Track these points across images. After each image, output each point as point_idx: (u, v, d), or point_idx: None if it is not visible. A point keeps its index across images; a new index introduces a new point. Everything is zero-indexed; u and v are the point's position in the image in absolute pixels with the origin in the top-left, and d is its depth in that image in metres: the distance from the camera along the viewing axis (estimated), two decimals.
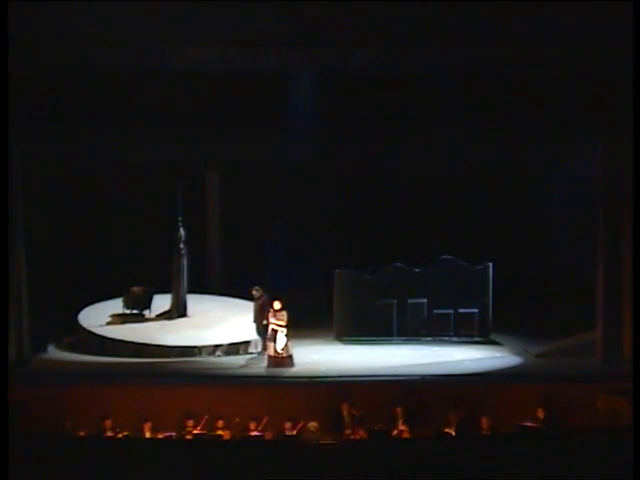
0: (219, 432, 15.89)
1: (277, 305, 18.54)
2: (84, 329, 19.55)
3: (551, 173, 20.79)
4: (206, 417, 16.09)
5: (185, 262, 20.19)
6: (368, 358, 18.93)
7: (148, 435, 15.84)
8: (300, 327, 19.04)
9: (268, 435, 15.90)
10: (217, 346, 19.00)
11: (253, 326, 18.89)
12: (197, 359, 18.75)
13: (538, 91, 18.03)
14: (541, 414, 16.14)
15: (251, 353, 19.01)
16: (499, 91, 18.18)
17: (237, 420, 16.12)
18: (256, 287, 19.00)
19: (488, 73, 17.86)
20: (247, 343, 19.11)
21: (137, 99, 18.34)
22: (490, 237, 20.35)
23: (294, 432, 15.85)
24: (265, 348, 18.61)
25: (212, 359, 18.80)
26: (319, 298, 20.60)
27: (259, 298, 18.92)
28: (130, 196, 20.83)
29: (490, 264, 19.97)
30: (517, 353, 19.24)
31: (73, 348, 19.46)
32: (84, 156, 19.97)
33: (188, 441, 15.23)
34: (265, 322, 18.64)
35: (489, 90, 18.26)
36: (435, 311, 20.04)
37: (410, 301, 20.05)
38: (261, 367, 18.32)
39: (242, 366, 18.40)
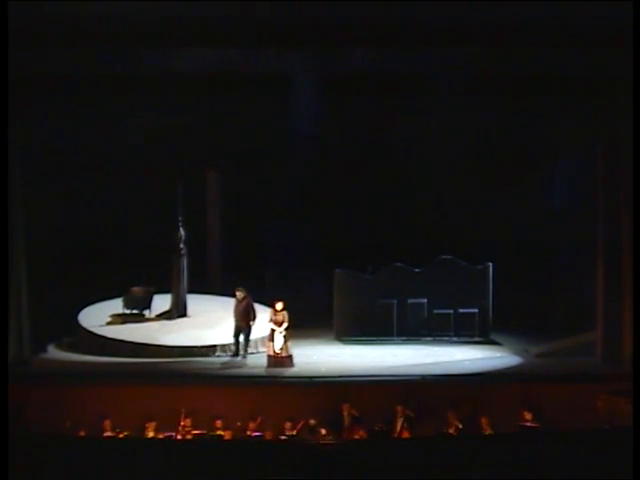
0: (219, 432, 15.89)
1: (279, 306, 18.55)
2: (84, 329, 19.55)
3: (551, 173, 20.78)
4: (206, 417, 16.10)
5: (185, 262, 20.19)
6: (368, 358, 18.94)
7: (149, 435, 15.84)
8: (300, 327, 19.06)
9: (268, 435, 15.91)
10: (217, 346, 18.99)
11: (233, 327, 18.81)
12: (197, 359, 18.75)
13: (537, 90, 18.02)
14: (533, 415, 16.11)
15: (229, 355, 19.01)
16: (499, 91, 18.17)
17: (238, 423, 16.11)
18: (240, 288, 18.91)
19: (488, 73, 17.85)
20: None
21: (136, 99, 18.33)
22: (490, 237, 20.34)
23: (294, 432, 15.87)
24: (239, 351, 18.71)
25: (212, 359, 18.80)
26: (319, 298, 20.58)
27: (243, 299, 18.86)
28: (130, 196, 20.82)
29: (490, 264, 19.99)
30: (517, 353, 19.25)
31: (73, 348, 19.47)
32: (83, 156, 19.97)
33: (188, 441, 15.23)
34: (249, 324, 18.66)
35: (489, 90, 18.24)
36: (435, 311, 20.04)
37: (410, 301, 20.06)
38: (261, 367, 18.34)
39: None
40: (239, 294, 18.86)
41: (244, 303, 18.78)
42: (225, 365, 18.51)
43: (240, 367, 18.45)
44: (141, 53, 17.16)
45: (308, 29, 16.68)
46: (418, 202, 21.15)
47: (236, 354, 18.78)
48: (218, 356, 18.88)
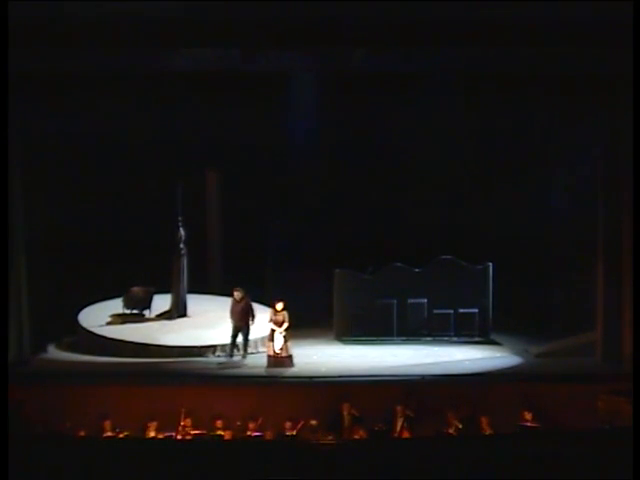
0: (219, 432, 15.89)
1: (279, 306, 18.54)
2: (84, 329, 19.55)
3: (551, 173, 20.77)
4: (206, 417, 16.09)
5: (185, 262, 20.19)
6: (368, 358, 18.94)
7: (149, 435, 15.83)
8: (300, 327, 19.05)
9: (268, 435, 15.91)
10: (217, 346, 18.99)
11: (231, 328, 18.74)
12: (197, 359, 18.75)
13: (538, 90, 18.03)
14: (533, 414, 16.11)
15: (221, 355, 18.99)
16: (499, 91, 18.17)
17: (238, 423, 16.12)
18: (238, 288, 18.85)
19: (488, 73, 17.85)
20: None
21: (136, 99, 18.34)
22: (490, 237, 20.34)
23: (294, 432, 15.87)
24: (234, 352, 18.70)
25: (212, 359, 18.80)
26: (319, 298, 20.58)
27: (241, 300, 18.82)
28: (130, 196, 20.83)
29: (490, 264, 19.98)
30: (517, 353, 19.25)
31: (73, 348, 19.47)
32: (84, 156, 19.98)
33: (188, 441, 15.23)
34: (248, 324, 18.63)
35: (488, 90, 18.25)
36: (435, 311, 20.04)
37: (410, 301, 20.05)
38: (261, 367, 18.34)
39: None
40: (237, 294, 18.82)
41: (242, 303, 18.75)
42: (225, 365, 18.51)
43: (240, 367, 18.45)
44: (141, 53, 17.14)
45: (308, 29, 16.67)
46: (418, 202, 21.15)
47: (231, 355, 18.76)
48: (218, 356, 18.88)
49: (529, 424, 15.90)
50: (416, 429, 16.12)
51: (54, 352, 19.40)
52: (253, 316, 18.72)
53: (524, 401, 16.30)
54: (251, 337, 18.95)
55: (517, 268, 20.37)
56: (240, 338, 18.74)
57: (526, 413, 16.08)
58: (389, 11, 16.53)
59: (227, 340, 18.84)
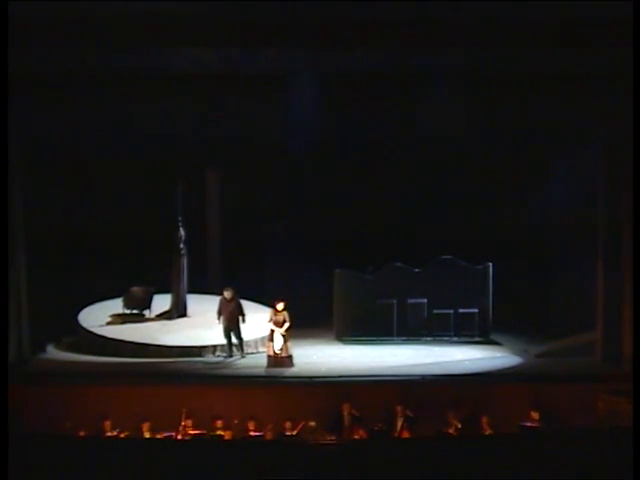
0: (219, 432, 15.89)
1: (280, 306, 18.53)
2: (84, 329, 19.56)
3: (551, 173, 20.76)
4: (206, 417, 16.09)
5: (185, 262, 20.19)
6: (368, 358, 18.94)
7: (147, 435, 15.84)
8: (300, 327, 19.05)
9: (268, 435, 15.91)
10: (217, 346, 19.00)
11: (222, 328, 18.74)
12: (197, 359, 18.75)
13: (537, 90, 18.02)
14: (540, 414, 16.14)
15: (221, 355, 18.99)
16: (498, 91, 18.16)
17: (236, 421, 16.12)
18: (228, 287, 18.84)
19: (488, 73, 17.85)
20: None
21: (136, 99, 18.33)
22: (490, 237, 20.33)
23: (294, 432, 15.87)
24: (232, 352, 18.71)
25: (212, 359, 18.80)
26: (319, 298, 20.58)
27: (231, 299, 18.83)
28: (130, 196, 20.82)
29: (490, 264, 19.98)
30: (517, 353, 19.25)
31: (73, 348, 19.47)
32: (84, 156, 19.98)
33: (188, 441, 15.23)
34: (239, 324, 18.61)
35: (489, 90, 18.24)
36: (435, 311, 20.04)
37: (410, 301, 20.05)
38: (261, 367, 18.34)
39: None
40: (227, 294, 18.79)
41: (232, 303, 18.75)
42: (225, 365, 18.52)
43: (240, 367, 18.45)
44: (141, 53, 17.15)
45: (308, 29, 16.67)
46: (418, 202, 21.15)
47: (230, 355, 18.77)
48: (218, 356, 18.89)
49: (536, 424, 15.90)
50: (416, 429, 16.12)
51: (54, 352, 19.40)
52: (243, 315, 18.71)
53: (531, 401, 16.29)
54: (251, 337, 18.98)
55: (517, 268, 20.38)
56: (233, 338, 18.74)
57: (533, 413, 16.09)
58: (388, 11, 16.52)
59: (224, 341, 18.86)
